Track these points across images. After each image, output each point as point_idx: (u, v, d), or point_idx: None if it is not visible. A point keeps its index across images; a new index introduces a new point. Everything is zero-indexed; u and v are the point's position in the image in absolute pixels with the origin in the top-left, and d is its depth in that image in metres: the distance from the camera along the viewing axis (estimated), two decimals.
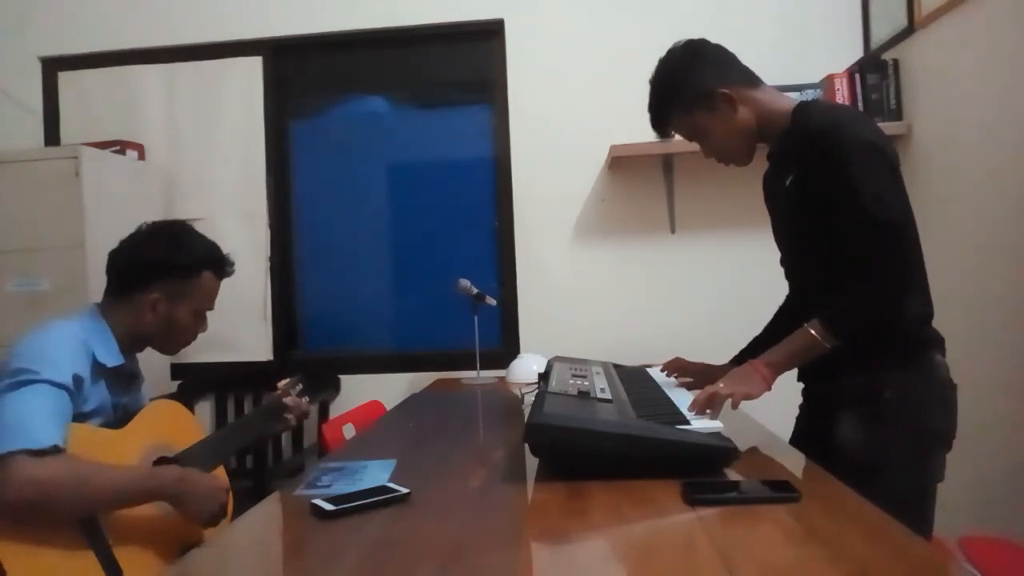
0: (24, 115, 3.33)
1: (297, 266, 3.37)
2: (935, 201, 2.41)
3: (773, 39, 2.90)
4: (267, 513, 1.26)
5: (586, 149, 3.06)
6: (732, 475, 1.23)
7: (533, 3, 3.14)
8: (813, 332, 1.36)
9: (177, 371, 3.20)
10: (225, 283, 1.67)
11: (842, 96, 2.75)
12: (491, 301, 2.80)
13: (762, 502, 1.08)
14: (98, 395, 1.46)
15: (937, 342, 1.45)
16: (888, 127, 2.57)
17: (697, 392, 1.43)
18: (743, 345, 1.73)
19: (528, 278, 3.15)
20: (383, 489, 1.23)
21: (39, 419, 1.27)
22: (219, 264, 1.63)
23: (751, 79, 1.52)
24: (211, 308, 1.65)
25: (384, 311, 3.37)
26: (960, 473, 2.16)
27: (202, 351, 3.01)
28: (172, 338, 1.60)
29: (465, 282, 2.76)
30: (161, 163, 3.26)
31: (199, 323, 1.63)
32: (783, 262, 1.63)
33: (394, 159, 3.35)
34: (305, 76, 3.41)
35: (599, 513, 1.10)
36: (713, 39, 1.55)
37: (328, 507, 1.14)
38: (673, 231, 3.07)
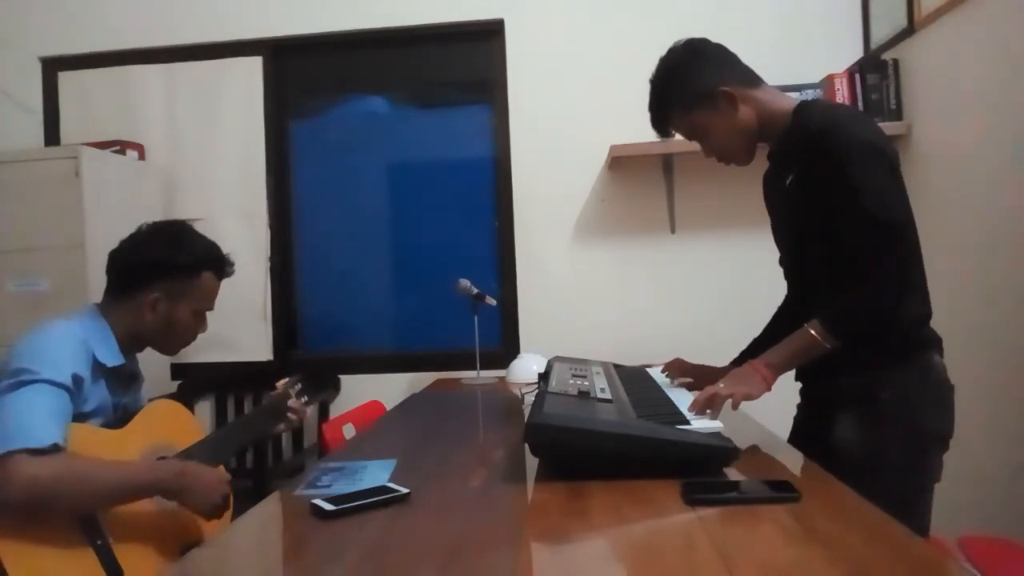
0: (24, 115, 3.33)
1: (297, 266, 3.37)
2: (935, 201, 2.41)
3: (773, 39, 2.90)
4: (267, 513, 1.26)
5: (586, 149, 3.06)
6: (732, 475, 1.23)
7: (533, 3, 3.14)
8: (813, 332, 1.36)
9: (177, 371, 3.20)
10: (225, 283, 1.67)
11: (842, 96, 2.75)
12: (491, 301, 2.80)
13: (762, 502, 1.08)
14: (98, 395, 1.46)
15: (935, 342, 1.45)
16: (888, 127, 2.57)
17: (697, 392, 1.43)
18: (743, 345, 1.72)
19: (528, 278, 3.15)
20: (383, 489, 1.23)
21: (39, 418, 1.27)
22: (219, 264, 1.63)
23: (752, 78, 1.52)
24: (211, 308, 1.65)
25: (384, 311, 3.37)
26: (960, 473, 2.16)
27: (202, 351, 3.01)
28: (172, 338, 1.60)
29: (465, 282, 2.76)
30: (161, 163, 3.26)
31: (199, 323, 1.63)
32: (783, 262, 1.63)
33: (394, 159, 3.35)
34: (305, 76, 3.41)
35: (599, 513, 1.10)
36: (713, 39, 1.55)
37: (328, 507, 1.14)
38: (673, 231, 3.07)
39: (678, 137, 1.62)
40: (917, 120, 2.65)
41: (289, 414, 1.77)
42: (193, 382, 3.15)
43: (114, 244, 1.58)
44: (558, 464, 1.30)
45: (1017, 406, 2.06)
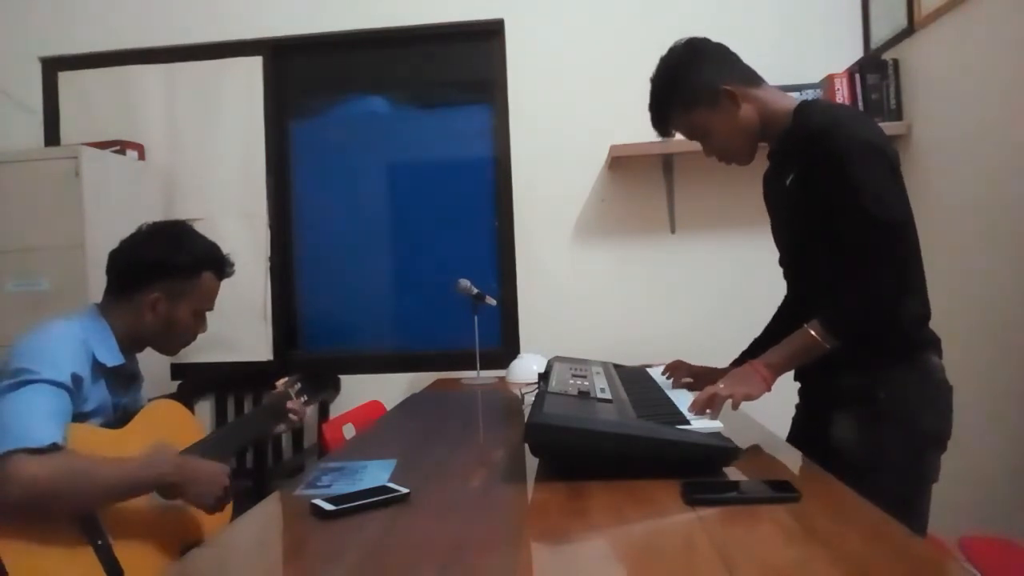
0: (24, 115, 3.33)
1: (297, 266, 3.37)
2: (935, 201, 2.41)
3: (773, 39, 2.90)
4: (267, 513, 1.26)
5: (586, 149, 3.06)
6: (732, 475, 1.23)
7: (533, 3, 3.14)
8: (813, 333, 1.36)
9: (177, 371, 3.20)
10: (225, 283, 1.67)
11: (842, 96, 2.75)
12: (491, 301, 2.80)
13: (762, 502, 1.08)
14: (98, 395, 1.46)
15: (933, 343, 1.45)
16: (888, 127, 2.57)
17: (697, 392, 1.43)
18: (743, 345, 1.72)
19: (528, 278, 3.15)
20: (383, 489, 1.23)
21: (38, 418, 1.27)
22: (219, 264, 1.63)
23: (753, 78, 1.51)
24: (211, 308, 1.65)
25: (384, 311, 3.37)
26: (960, 473, 2.16)
27: (202, 351, 3.01)
28: (172, 338, 1.60)
29: (465, 282, 2.76)
30: (161, 163, 3.26)
31: (199, 323, 1.63)
32: (782, 262, 1.63)
33: (394, 159, 3.35)
34: (305, 76, 3.41)
35: (599, 513, 1.10)
36: (713, 39, 1.54)
37: (328, 507, 1.14)
38: (673, 231, 3.07)
39: (678, 137, 1.61)
40: (917, 120, 2.65)
41: (289, 415, 1.77)
42: (193, 382, 3.15)
43: (114, 244, 1.58)
44: (558, 464, 1.30)
45: (1017, 406, 2.06)
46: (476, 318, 2.74)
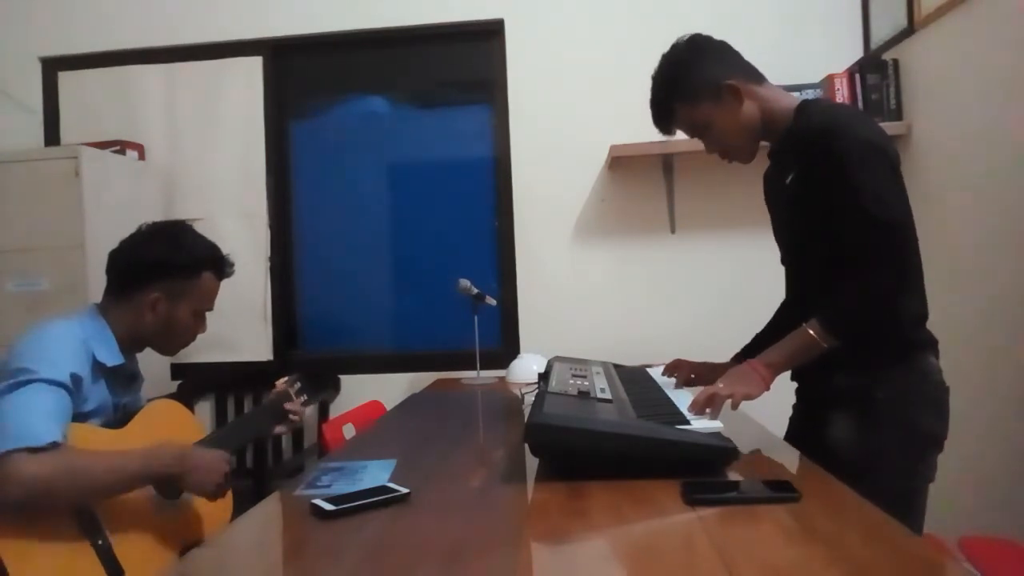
0: (24, 115, 3.33)
1: (297, 266, 3.37)
2: (935, 201, 2.41)
3: (773, 39, 2.90)
4: (267, 513, 1.27)
5: (586, 149, 3.06)
6: (732, 475, 1.23)
7: (533, 3, 3.14)
8: (811, 332, 1.36)
9: (177, 371, 3.20)
10: (225, 283, 1.67)
11: (842, 96, 2.75)
12: (491, 301, 2.80)
13: (762, 502, 1.08)
14: (98, 395, 1.46)
15: (931, 344, 1.45)
16: (888, 127, 2.57)
17: (697, 392, 1.43)
18: (743, 345, 1.72)
19: (528, 278, 3.15)
20: (383, 489, 1.23)
21: (37, 417, 1.27)
22: (219, 264, 1.63)
23: (756, 75, 1.51)
24: (211, 309, 1.65)
25: (384, 311, 3.37)
26: (960, 473, 2.17)
27: (202, 351, 3.01)
28: (171, 338, 1.60)
29: (465, 282, 2.76)
30: (161, 163, 3.26)
31: (199, 323, 1.63)
32: (783, 260, 1.63)
33: (394, 159, 3.35)
34: (305, 76, 3.41)
35: (599, 513, 1.10)
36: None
37: (328, 507, 1.14)
38: (673, 231, 3.07)
39: (679, 137, 1.61)
40: (917, 120, 2.65)
41: (289, 415, 1.77)
42: (193, 382, 3.15)
43: (114, 244, 1.58)
44: (558, 464, 1.30)
45: (1017, 407, 2.06)
46: (476, 318, 2.74)
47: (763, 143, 1.54)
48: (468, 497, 1.27)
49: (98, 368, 1.46)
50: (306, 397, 1.84)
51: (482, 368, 2.76)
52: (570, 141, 3.09)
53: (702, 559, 0.90)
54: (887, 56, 2.77)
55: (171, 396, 2.38)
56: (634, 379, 1.78)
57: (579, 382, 1.57)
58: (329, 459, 1.58)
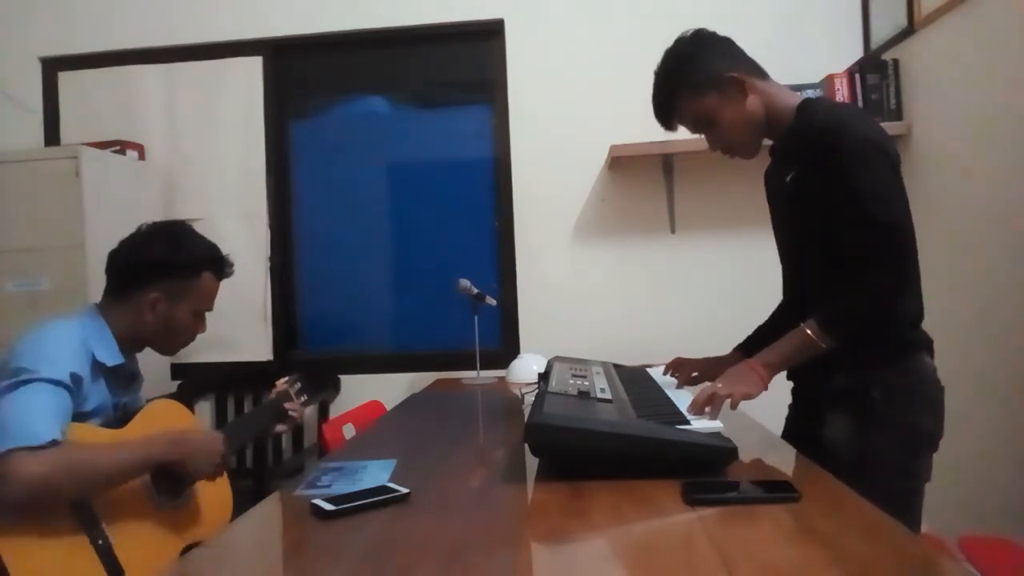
0: (24, 115, 3.33)
1: (297, 266, 3.38)
2: (935, 201, 2.41)
3: (773, 39, 2.88)
4: (267, 513, 1.26)
5: (586, 149, 3.07)
6: (732, 475, 1.23)
7: (533, 3, 3.14)
8: (809, 332, 1.36)
9: (177, 371, 3.20)
10: (225, 283, 1.67)
11: (842, 96, 2.75)
12: (491, 301, 2.80)
13: (762, 502, 1.08)
14: (98, 394, 1.47)
15: (926, 344, 1.45)
16: (888, 127, 2.55)
17: (697, 391, 1.43)
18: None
19: (528, 278, 3.15)
20: (383, 489, 1.23)
21: (37, 416, 1.28)
22: (219, 265, 1.63)
23: (760, 70, 1.51)
24: (210, 309, 1.65)
25: (384, 311, 3.37)
26: (960, 473, 2.17)
27: (202, 351, 3.01)
28: (171, 338, 1.60)
29: (465, 282, 2.76)
30: (161, 163, 3.26)
31: (198, 324, 1.63)
32: (782, 259, 1.63)
33: (394, 159, 3.35)
34: (305, 76, 3.41)
35: (599, 513, 1.10)
36: None
37: (328, 507, 1.14)
38: (673, 231, 3.07)
39: (679, 137, 1.61)
40: (917, 120, 2.65)
41: (289, 412, 1.77)
42: (193, 382, 3.15)
43: (114, 244, 1.58)
44: (558, 464, 1.30)
45: (1017, 406, 2.06)
46: (476, 318, 2.75)
47: (765, 141, 1.54)
48: (468, 497, 1.26)
49: (98, 368, 1.46)
50: (306, 397, 1.84)
51: (482, 368, 2.76)
52: (570, 141, 3.09)
53: (702, 559, 0.90)
54: (887, 56, 2.77)
55: (171, 396, 2.38)
56: (634, 379, 1.78)
57: (579, 382, 1.57)
58: (329, 459, 1.58)
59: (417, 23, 3.21)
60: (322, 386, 3.12)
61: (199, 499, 1.56)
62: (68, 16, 3.33)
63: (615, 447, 1.22)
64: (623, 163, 2.99)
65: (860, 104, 2.74)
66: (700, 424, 1.30)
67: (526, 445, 1.28)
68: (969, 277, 2.28)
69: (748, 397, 1.38)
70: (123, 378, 1.57)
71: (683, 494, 1.12)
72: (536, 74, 3.14)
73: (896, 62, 2.73)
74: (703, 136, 1.56)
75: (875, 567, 0.86)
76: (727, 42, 1.51)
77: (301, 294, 3.38)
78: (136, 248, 1.57)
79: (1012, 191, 2.07)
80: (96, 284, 1.60)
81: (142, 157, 3.22)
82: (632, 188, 3.08)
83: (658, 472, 1.20)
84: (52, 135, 3.36)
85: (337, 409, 3.13)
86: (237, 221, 3.24)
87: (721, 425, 1.30)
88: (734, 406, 1.39)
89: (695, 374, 1.73)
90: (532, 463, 1.35)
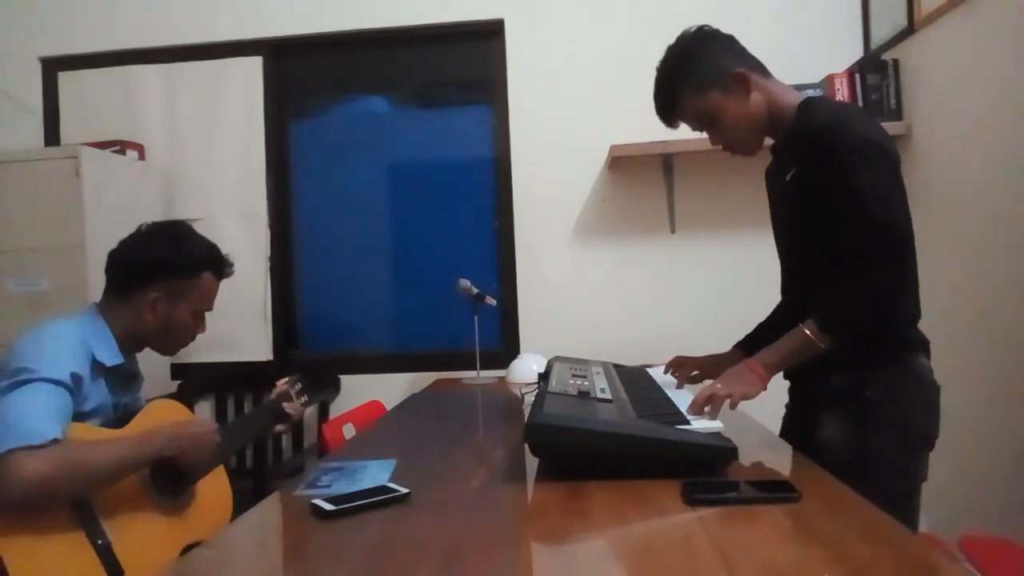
0: (24, 115, 3.33)
1: (297, 266, 3.38)
2: (935, 201, 2.41)
3: (773, 39, 2.86)
4: (267, 513, 1.26)
5: (586, 149, 3.07)
6: (732, 475, 1.23)
7: (533, 3, 3.14)
8: (808, 332, 1.36)
9: (177, 371, 3.20)
10: (225, 283, 1.67)
11: (842, 96, 2.75)
12: (491, 301, 2.80)
13: (762, 502, 1.08)
14: (98, 394, 1.47)
15: (922, 344, 1.45)
16: (888, 127, 2.54)
17: (697, 391, 1.43)
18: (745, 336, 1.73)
19: (528, 278, 3.15)
20: (383, 489, 1.23)
21: (38, 416, 1.28)
22: (219, 265, 1.63)
23: (762, 68, 1.51)
24: (210, 309, 1.65)
25: (384, 311, 3.37)
26: (960, 473, 2.17)
27: (202, 351, 3.01)
28: (171, 338, 1.60)
29: (465, 282, 2.76)
30: (161, 163, 3.26)
31: (198, 324, 1.63)
32: (781, 258, 1.63)
33: (394, 159, 3.35)
34: (305, 76, 3.41)
35: (599, 513, 1.10)
36: None
37: (328, 507, 1.14)
38: (673, 231, 3.07)
39: (679, 137, 1.61)
40: (917, 120, 2.65)
41: (287, 410, 1.77)
42: (193, 382, 3.15)
43: (114, 244, 1.58)
44: (558, 464, 1.30)
45: (1017, 406, 2.06)
46: (476, 318, 2.75)
47: (767, 139, 1.54)
48: (468, 497, 1.26)
49: (97, 368, 1.46)
50: (306, 398, 1.84)
51: (482, 368, 2.76)
52: (570, 141, 3.09)
53: (702, 559, 0.90)
54: (887, 56, 2.77)
55: (171, 396, 2.38)
56: (634, 379, 1.78)
57: (579, 382, 1.57)
58: (329, 459, 1.58)
59: (417, 23, 3.21)
60: (322, 386, 3.12)
61: (199, 499, 1.56)
62: (68, 16, 3.33)
63: (615, 447, 1.22)
64: (623, 163, 2.99)
65: (860, 104, 2.74)
66: (700, 424, 1.30)
67: (526, 445, 1.28)
68: (969, 277, 2.28)
69: (747, 397, 1.38)
70: (123, 378, 1.57)
71: (683, 494, 1.12)
72: (536, 74, 3.14)
73: (896, 62, 2.73)
74: (704, 134, 1.56)
75: (875, 567, 0.86)
76: (730, 39, 1.51)
77: (301, 294, 3.38)
78: (136, 248, 1.57)
79: (1012, 191, 2.07)
80: (96, 284, 1.60)
81: (142, 157, 3.22)
82: (632, 188, 3.08)
83: (658, 472, 1.20)
84: (52, 135, 3.36)
85: (337, 409, 3.13)
86: (237, 221, 3.24)
87: (721, 425, 1.30)
88: (733, 406, 1.39)
89: (695, 372, 1.73)
90: (532, 463, 1.35)
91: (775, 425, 1.66)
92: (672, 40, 1.52)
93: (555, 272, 3.12)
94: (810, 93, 2.74)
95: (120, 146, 3.12)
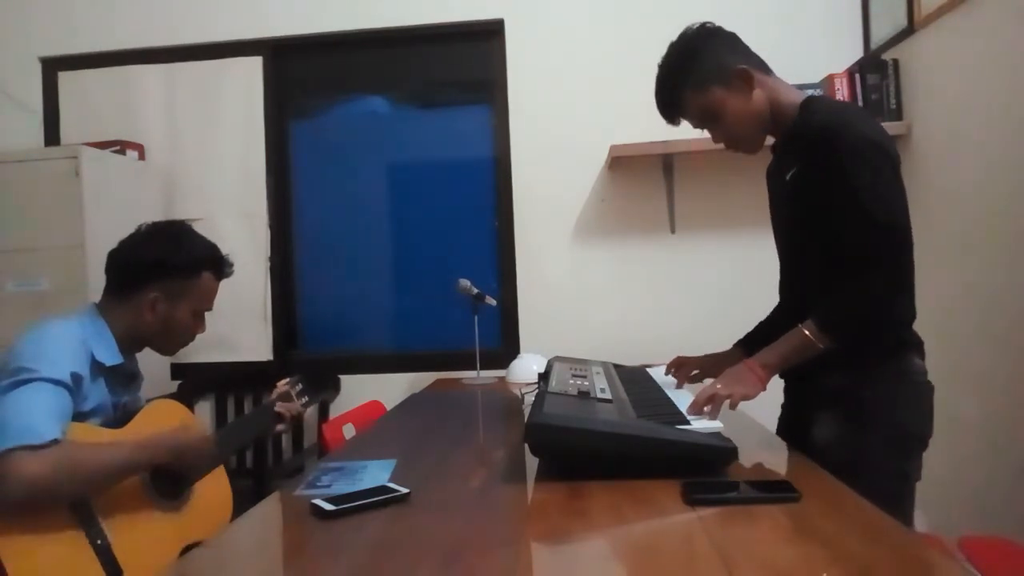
0: (24, 115, 3.33)
1: (297, 266, 3.38)
2: (935, 201, 2.41)
3: (773, 39, 2.86)
4: (267, 513, 1.27)
5: (586, 149, 3.07)
6: (732, 475, 1.23)
7: (533, 3, 3.14)
8: (807, 333, 1.36)
9: (177, 371, 3.20)
10: (225, 283, 1.67)
11: (842, 96, 2.75)
12: (491, 301, 2.80)
13: (762, 502, 1.08)
14: (98, 394, 1.47)
15: (916, 345, 1.45)
16: (888, 127, 2.54)
17: (697, 391, 1.43)
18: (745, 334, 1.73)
19: (528, 278, 3.15)
20: (383, 489, 1.23)
21: (37, 416, 1.28)
22: (219, 265, 1.63)
23: (764, 66, 1.50)
24: (210, 309, 1.65)
25: (384, 311, 3.37)
26: (959, 473, 2.17)
27: (202, 351, 3.01)
28: (171, 338, 1.60)
29: (465, 282, 2.76)
30: (161, 163, 3.26)
31: (198, 324, 1.63)
32: (780, 257, 1.63)
33: (394, 159, 3.35)
34: (305, 76, 3.41)
35: (599, 513, 1.10)
36: None
37: (328, 507, 1.14)
38: (673, 231, 3.07)
39: (679, 137, 1.60)
40: (917, 120, 2.65)
41: (287, 411, 1.77)
42: (193, 382, 3.15)
43: (114, 244, 1.58)
44: (558, 464, 1.30)
45: (1017, 406, 2.06)
46: (476, 318, 2.74)
47: (768, 138, 1.54)
48: (468, 497, 1.26)
49: (97, 367, 1.46)
50: (307, 398, 1.84)
51: (482, 368, 2.76)
52: (570, 141, 3.09)
53: (702, 559, 0.90)
54: (887, 56, 2.77)
55: (171, 396, 2.38)
56: (634, 379, 1.78)
57: (579, 382, 1.57)
58: (329, 459, 1.58)
59: (417, 23, 3.21)
60: (322, 386, 3.12)
61: (199, 499, 1.56)
62: (68, 16, 3.33)
63: (615, 447, 1.22)
64: (623, 163, 2.99)
65: (860, 104, 2.74)
66: (700, 424, 1.30)
67: (526, 445, 1.28)
68: (969, 277, 2.27)
69: (747, 398, 1.38)
70: (123, 378, 1.57)
71: (683, 494, 1.12)
72: (536, 74, 3.14)
73: (896, 62, 2.73)
74: (705, 133, 1.56)
75: (875, 567, 0.86)
76: (733, 37, 1.51)
77: (301, 294, 3.38)
78: (136, 248, 1.57)
79: (1011, 191, 2.07)
80: (96, 284, 1.60)
81: (142, 157, 3.22)
82: (632, 188, 3.08)
83: (658, 472, 1.20)
84: (52, 135, 3.36)
85: (337, 409, 3.13)
86: (237, 221, 3.24)
87: (721, 425, 1.30)
88: (733, 406, 1.39)
89: (695, 372, 1.73)
90: (532, 463, 1.35)
91: (774, 425, 1.66)
92: (674, 38, 1.52)
93: (555, 272, 3.12)
94: (810, 93, 2.76)
95: (120, 146, 3.12)
